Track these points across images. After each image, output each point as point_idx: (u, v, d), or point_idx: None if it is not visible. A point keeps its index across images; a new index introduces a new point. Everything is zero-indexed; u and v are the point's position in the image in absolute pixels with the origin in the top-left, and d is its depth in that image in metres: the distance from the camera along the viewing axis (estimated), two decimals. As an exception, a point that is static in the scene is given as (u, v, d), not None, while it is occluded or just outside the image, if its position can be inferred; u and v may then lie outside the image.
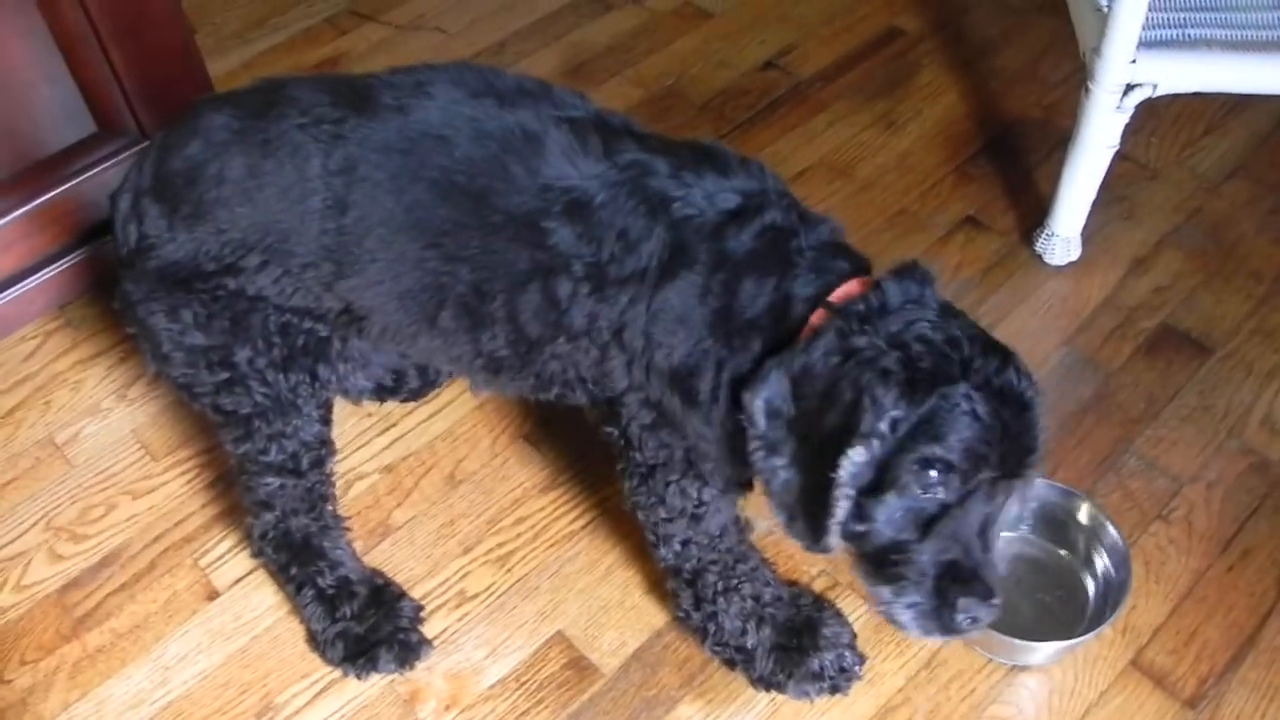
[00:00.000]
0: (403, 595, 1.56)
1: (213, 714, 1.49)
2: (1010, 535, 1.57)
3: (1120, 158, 1.98)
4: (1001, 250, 1.92)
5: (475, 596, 1.58)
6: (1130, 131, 1.98)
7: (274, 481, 1.45)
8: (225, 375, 1.35)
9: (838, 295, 1.18)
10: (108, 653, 1.54)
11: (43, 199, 1.73)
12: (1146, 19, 1.62)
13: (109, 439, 1.75)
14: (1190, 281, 1.87)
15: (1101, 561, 1.51)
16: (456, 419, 1.76)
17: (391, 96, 1.25)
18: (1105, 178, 1.88)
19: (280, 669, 1.53)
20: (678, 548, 1.41)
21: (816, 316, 1.16)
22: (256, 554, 1.56)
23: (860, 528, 1.12)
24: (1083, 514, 1.54)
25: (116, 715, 1.49)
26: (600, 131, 1.23)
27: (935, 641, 1.31)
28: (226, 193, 1.25)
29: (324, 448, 1.45)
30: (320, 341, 1.37)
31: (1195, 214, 1.96)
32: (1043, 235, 1.87)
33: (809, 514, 1.13)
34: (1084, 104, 1.71)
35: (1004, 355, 1.13)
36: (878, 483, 1.10)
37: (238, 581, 1.60)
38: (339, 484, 1.67)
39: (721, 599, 1.45)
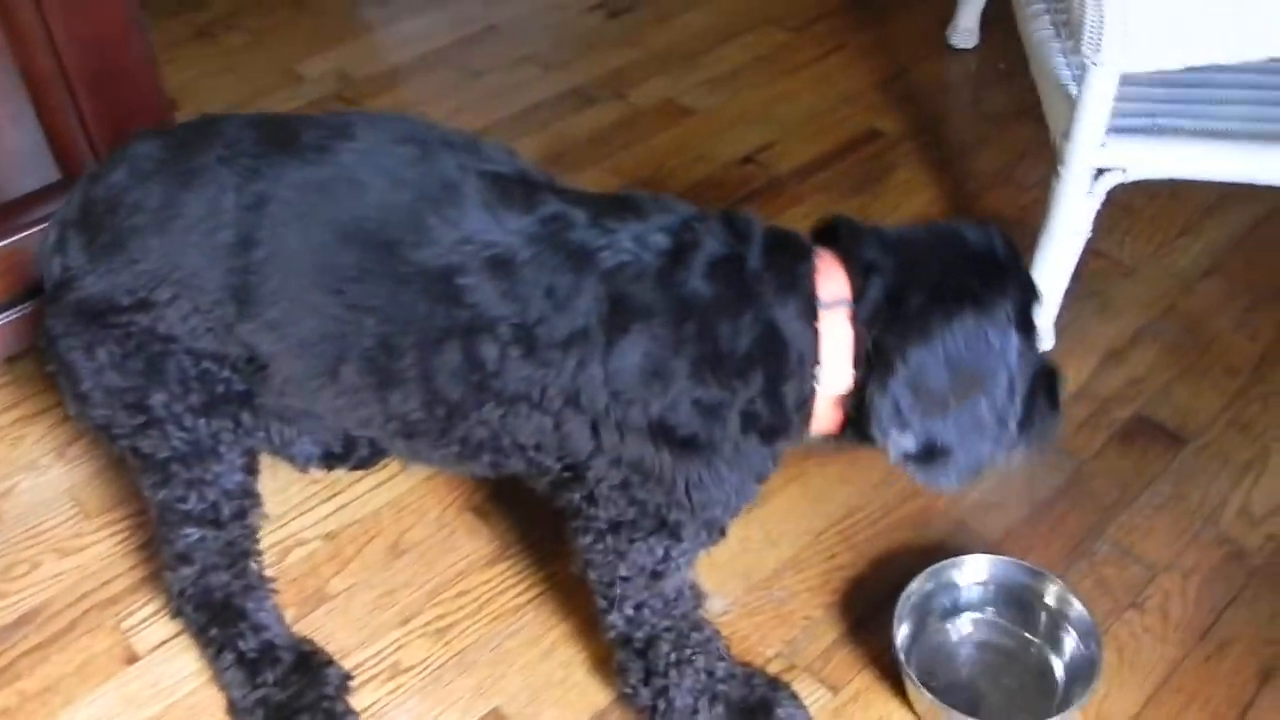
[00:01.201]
0: (330, 663, 1.46)
1: (116, 784, 1.40)
2: (975, 617, 1.50)
3: (1095, 254, 1.98)
4: (973, 339, 1.88)
5: (410, 669, 1.49)
6: (1105, 230, 1.99)
7: (193, 533, 1.38)
8: (142, 419, 1.29)
9: (824, 295, 1.15)
10: (12, 715, 1.45)
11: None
12: (1116, 108, 1.63)
13: (43, 496, 1.69)
14: (1165, 374, 1.82)
15: (1071, 643, 1.43)
16: (405, 489, 1.70)
17: (315, 136, 1.20)
18: (1080, 272, 1.86)
19: (195, 736, 1.44)
20: (631, 612, 1.33)
21: (825, 320, 1.14)
22: (175, 613, 1.48)
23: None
24: (1050, 595, 1.46)
25: (13, 781, 1.40)
26: (522, 185, 1.19)
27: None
28: (142, 221, 1.20)
29: (247, 498, 1.38)
30: (242, 392, 1.31)
31: (1170, 310, 1.93)
32: (1015, 324, 1.84)
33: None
34: (1054, 189, 1.69)
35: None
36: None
37: (159, 646, 1.51)
38: (276, 550, 1.61)
39: (674, 671, 1.36)
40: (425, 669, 1.50)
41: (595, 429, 1.18)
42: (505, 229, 1.15)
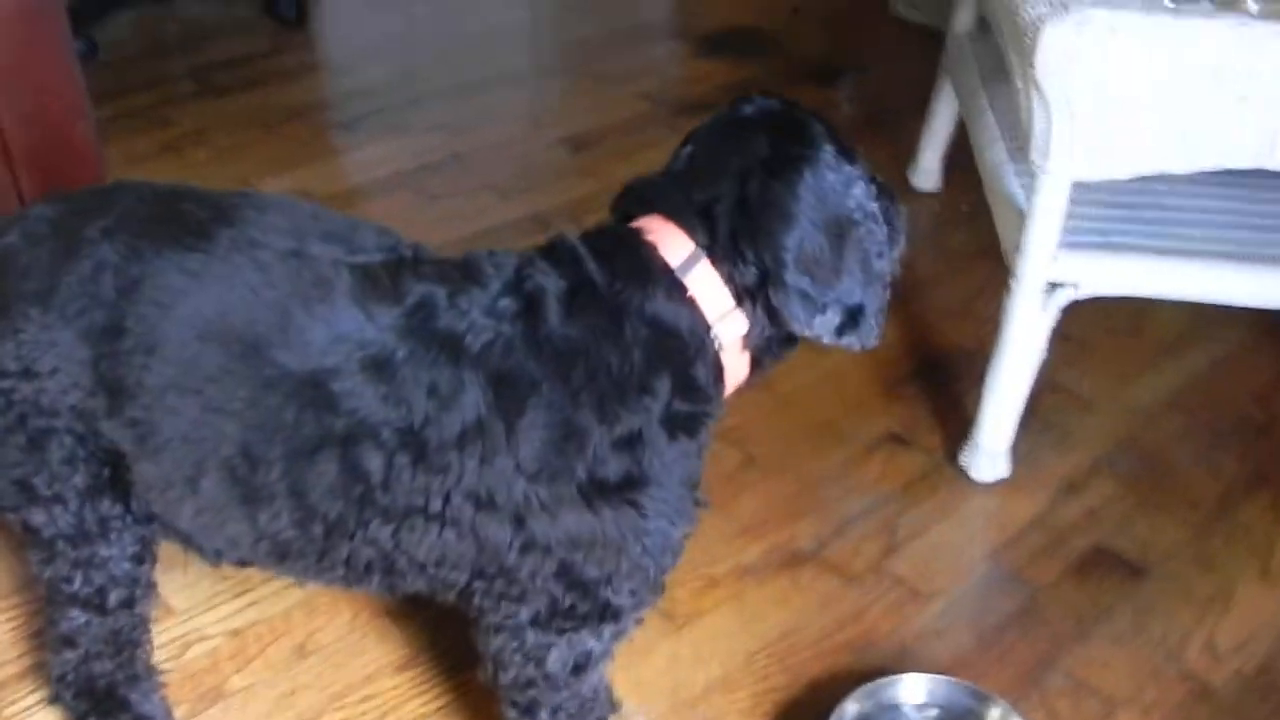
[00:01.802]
0: (215, 762, 1.37)
1: None
2: (915, 746, 1.39)
3: (1053, 388, 1.94)
4: (925, 467, 1.82)
5: (302, 775, 1.39)
6: (1064, 364, 1.96)
7: (78, 616, 1.29)
8: (26, 498, 1.20)
9: (675, 260, 1.09)
10: None
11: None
12: (1069, 224, 1.61)
13: (-66, 581, 1.61)
14: (1123, 505, 1.75)
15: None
16: (319, 590, 1.60)
17: (198, 217, 1.12)
18: (1037, 406, 1.82)
19: (59, 838, 1.32)
20: (544, 717, 1.22)
21: (691, 281, 1.09)
22: (53, 699, 1.38)
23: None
24: (991, 715, 1.36)
25: None
26: (389, 271, 1.11)
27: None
28: (27, 289, 1.13)
29: (137, 587, 1.29)
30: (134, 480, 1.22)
31: (1130, 443, 1.87)
32: (967, 448, 1.78)
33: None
34: (1006, 305, 1.66)
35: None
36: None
37: (36, 737, 1.41)
38: (176, 644, 1.52)
39: None
40: (319, 775, 1.39)
41: (519, 522, 1.09)
42: (378, 325, 1.06)
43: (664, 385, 1.08)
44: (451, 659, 1.50)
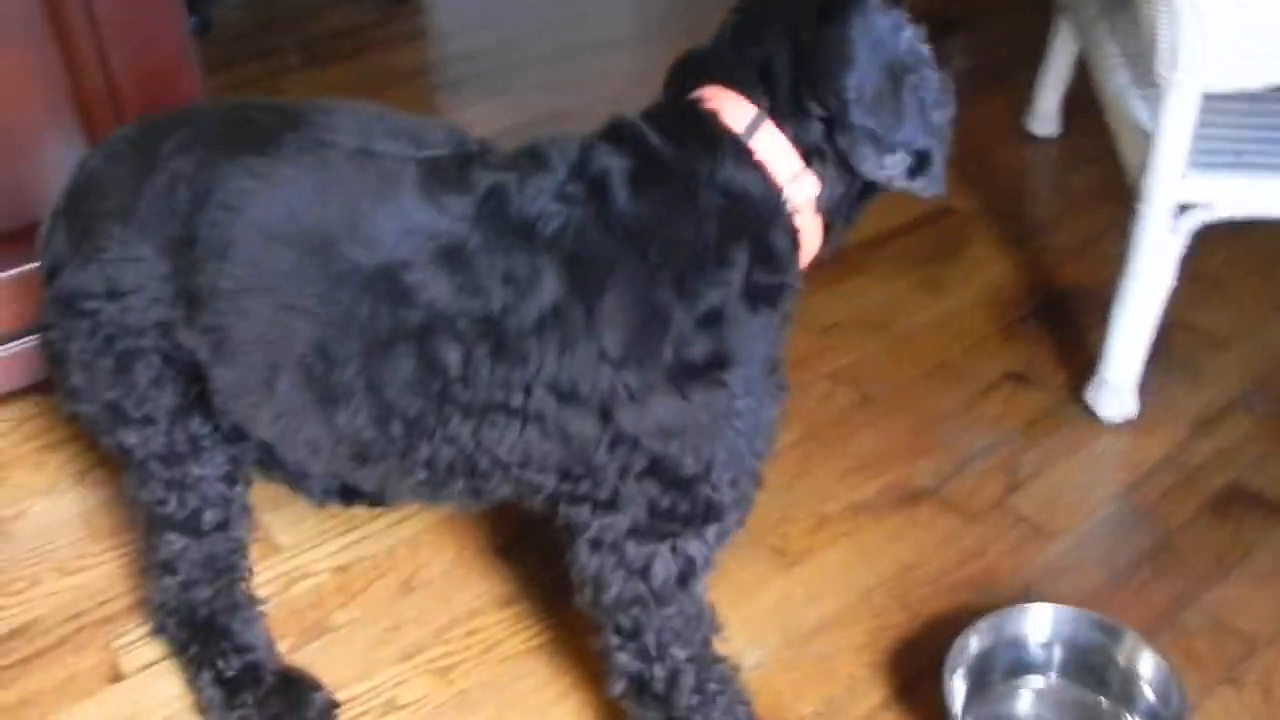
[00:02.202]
0: (318, 688, 1.35)
1: (75, 802, 1.28)
2: (1038, 685, 1.32)
3: (1185, 327, 1.84)
4: (1049, 405, 1.74)
5: (406, 706, 1.36)
6: (1196, 303, 1.87)
7: (175, 540, 1.29)
8: (118, 417, 1.21)
9: (739, 126, 1.05)
10: (-16, 728, 1.36)
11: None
12: (1199, 146, 1.52)
13: (55, 518, 1.62)
14: (1261, 444, 1.65)
15: (1148, 703, 1.25)
16: (424, 527, 1.59)
17: (267, 125, 1.12)
18: (1169, 344, 1.73)
19: (166, 762, 1.32)
20: (651, 641, 1.16)
21: (758, 145, 1.05)
22: (157, 628, 1.38)
23: None
24: (1124, 651, 1.28)
25: (-33, 795, 1.30)
26: (456, 164, 1.09)
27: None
28: (107, 208, 1.14)
29: (230, 508, 1.29)
30: None
31: (1267, 381, 1.76)
32: (1092, 385, 1.69)
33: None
34: (1134, 230, 1.57)
35: None
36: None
37: (146, 667, 1.41)
38: (281, 580, 1.52)
39: (699, 716, 1.20)
40: (423, 706, 1.36)
41: (605, 414, 1.06)
42: (449, 216, 1.05)
43: (742, 255, 1.04)
44: (555, 595, 1.47)
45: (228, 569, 1.33)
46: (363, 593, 1.51)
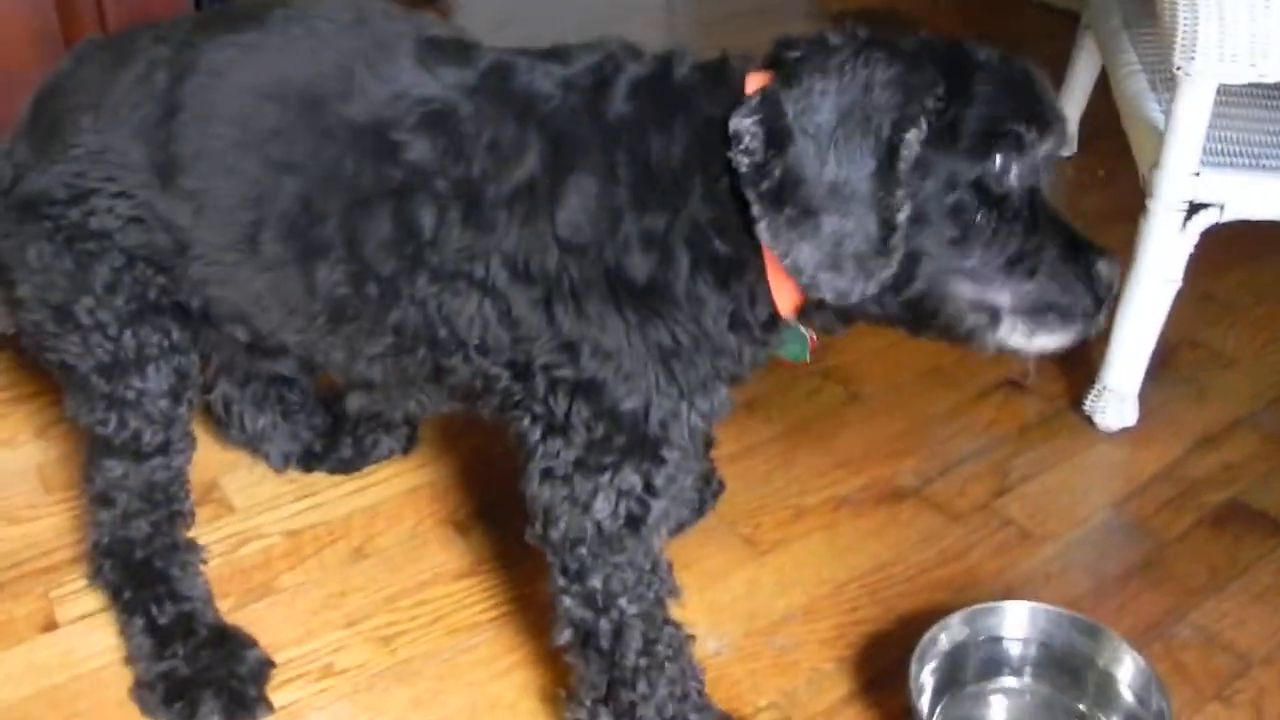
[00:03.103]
0: (253, 646, 1.29)
1: (-10, 747, 1.22)
2: (1011, 685, 1.24)
3: (1194, 345, 1.78)
4: (1045, 413, 1.66)
5: (344, 672, 1.30)
6: (1207, 323, 1.81)
7: (114, 467, 1.25)
8: (67, 325, 1.18)
9: (752, 88, 0.99)
10: (-92, 668, 1.30)
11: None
12: (1214, 146, 1.47)
13: (10, 469, 1.58)
14: (1266, 464, 1.57)
15: (1126, 706, 1.16)
16: (384, 496, 1.54)
17: (251, 7, 1.14)
18: (1175, 360, 1.67)
19: (92, 712, 1.25)
20: (598, 586, 1.11)
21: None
22: (94, 572, 1.33)
23: (936, 242, 0.98)
24: (1104, 654, 1.19)
25: (-119, 733, 1.24)
26: (459, 44, 1.09)
27: (1076, 336, 1.04)
28: (77, 101, 1.14)
29: (172, 429, 1.24)
30: (177, 305, 1.20)
31: (1274, 403, 1.68)
32: (1093, 393, 1.62)
33: (862, 237, 0.94)
34: (1142, 227, 1.51)
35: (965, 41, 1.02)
36: (945, 185, 0.97)
37: (81, 618, 1.36)
38: (231, 540, 1.47)
39: (643, 680, 1.13)
40: (361, 673, 1.30)
41: (548, 303, 1.02)
42: (443, 83, 1.05)
43: (696, 187, 0.99)
44: (514, 571, 1.41)
45: (166, 500, 1.29)
46: (312, 557, 1.45)
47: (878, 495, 1.53)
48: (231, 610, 1.36)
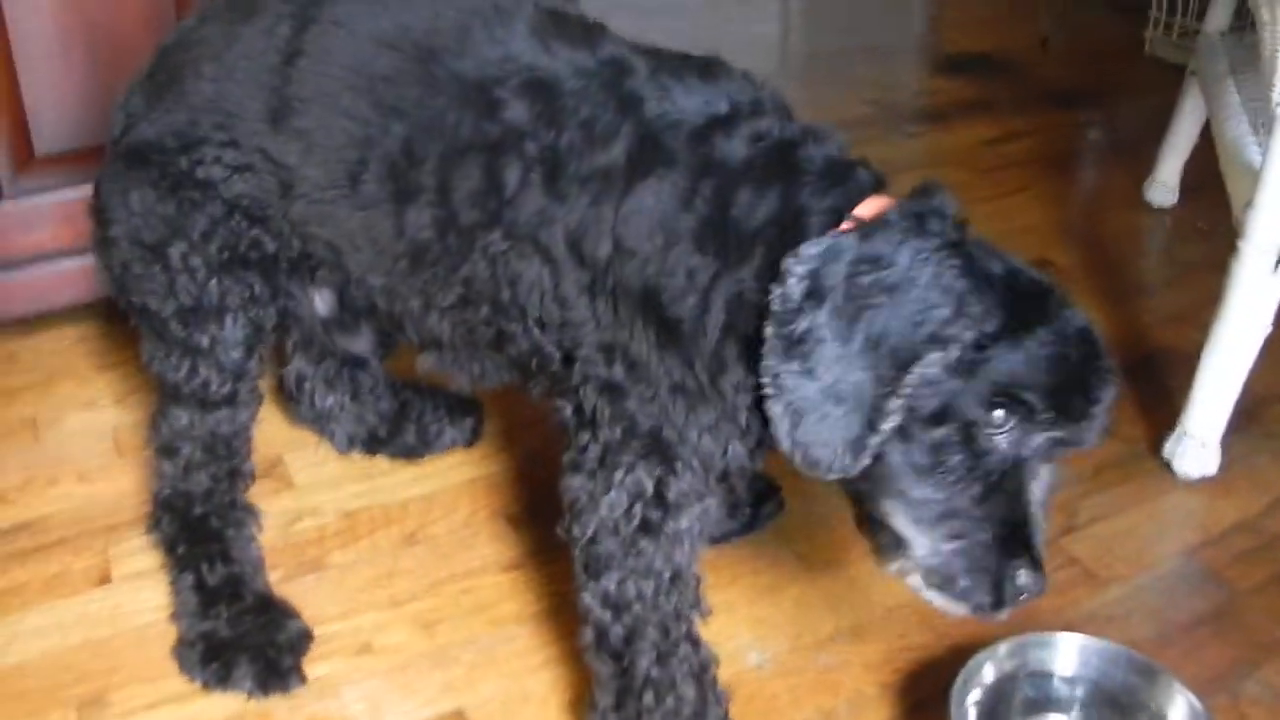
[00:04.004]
0: (294, 617, 1.30)
1: (34, 690, 1.25)
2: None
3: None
4: (1120, 456, 1.60)
5: (381, 650, 1.31)
6: None
7: (181, 415, 1.28)
8: (157, 267, 1.21)
9: (864, 212, 0.97)
10: (-34, 608, 1.34)
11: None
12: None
13: (87, 429, 1.64)
14: (1358, 525, 1.49)
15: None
16: (441, 486, 1.55)
17: None
18: (1260, 414, 1.61)
19: (131, 667, 1.28)
20: (613, 586, 1.10)
21: (846, 227, 0.96)
22: (152, 524, 1.35)
23: (903, 457, 0.95)
24: (1158, 694, 1.14)
25: (-66, 666, 1.28)
26: (583, 26, 1.11)
27: (964, 614, 0.99)
28: (200, 54, 1.19)
29: (241, 383, 1.27)
30: (265, 259, 1.23)
31: (1371, 467, 1.60)
32: (1173, 438, 1.56)
33: (843, 424, 0.93)
34: (1232, 269, 1.46)
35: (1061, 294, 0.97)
36: (939, 413, 0.93)
37: (135, 576, 1.39)
38: (287, 514, 1.50)
39: (652, 692, 1.11)
40: (398, 653, 1.30)
41: (592, 292, 1.04)
42: (554, 57, 1.07)
43: (755, 258, 0.98)
44: (559, 569, 1.38)
45: (228, 454, 1.31)
46: (365, 538, 1.46)
47: (938, 523, 1.49)
48: (280, 581, 1.38)
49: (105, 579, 1.38)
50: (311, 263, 1.24)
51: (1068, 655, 1.20)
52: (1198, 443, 1.53)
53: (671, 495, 1.06)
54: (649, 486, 1.05)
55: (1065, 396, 0.92)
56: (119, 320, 1.83)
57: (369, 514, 1.50)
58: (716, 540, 1.44)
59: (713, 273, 0.99)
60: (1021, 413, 0.92)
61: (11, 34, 1.59)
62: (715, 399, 1.02)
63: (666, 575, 1.10)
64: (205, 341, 1.23)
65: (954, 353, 0.90)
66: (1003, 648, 1.19)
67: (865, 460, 0.93)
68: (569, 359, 1.08)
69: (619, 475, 1.06)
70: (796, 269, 0.93)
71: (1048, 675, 1.20)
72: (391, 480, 1.56)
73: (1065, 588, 1.40)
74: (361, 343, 1.47)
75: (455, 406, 1.61)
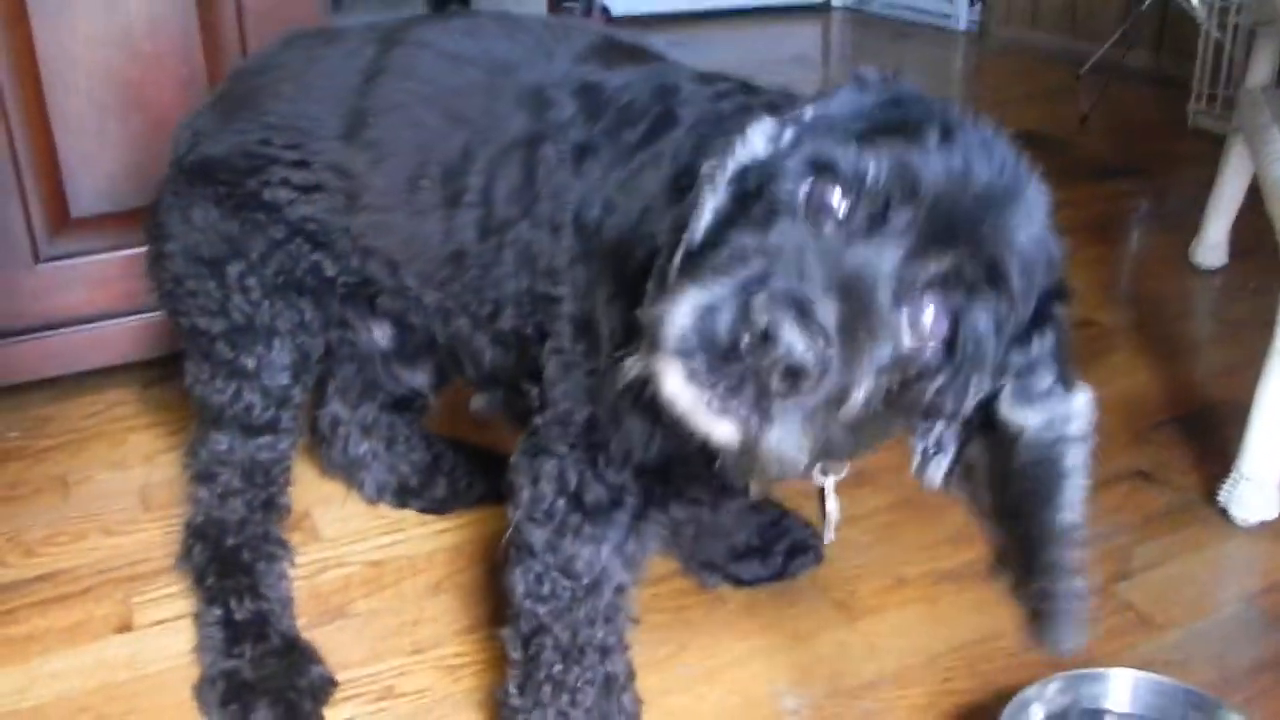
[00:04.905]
0: (317, 662, 1.26)
1: (49, 733, 1.22)
2: (1120, 760, 1.11)
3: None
4: (1173, 504, 1.54)
5: (404, 695, 1.26)
6: None
7: (221, 440, 1.27)
8: (211, 284, 1.22)
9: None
10: (-14, 653, 1.32)
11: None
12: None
13: (115, 487, 1.62)
14: None
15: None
16: (470, 537, 1.51)
17: (460, 11, 1.24)
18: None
19: (147, 711, 1.25)
20: (529, 580, 1.07)
21: None
22: (184, 554, 1.33)
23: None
24: (1223, 729, 1.07)
25: (-48, 707, 1.25)
26: (645, 50, 1.14)
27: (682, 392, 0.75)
28: (278, 76, 1.22)
29: (285, 410, 1.26)
30: (321, 285, 1.24)
31: None
32: (1228, 483, 1.49)
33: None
34: None
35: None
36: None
37: (156, 624, 1.36)
38: (314, 565, 1.46)
39: (548, 685, 1.09)
40: (421, 698, 1.26)
41: (578, 259, 1.02)
42: (611, 70, 1.09)
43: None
44: (590, 613, 1.36)
45: (266, 482, 1.30)
46: (391, 587, 1.43)
47: (983, 571, 1.41)
48: (304, 628, 1.34)
49: (126, 627, 1.36)
50: (371, 290, 1.24)
51: (1121, 691, 1.13)
52: (1255, 486, 1.46)
53: (590, 498, 1.03)
54: (572, 482, 1.03)
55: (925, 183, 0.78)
56: (150, 384, 1.86)
57: (395, 564, 1.47)
58: (744, 583, 1.41)
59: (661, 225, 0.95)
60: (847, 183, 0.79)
61: (49, 98, 1.63)
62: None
63: (585, 580, 1.06)
64: (252, 364, 1.23)
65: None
66: (1054, 683, 1.13)
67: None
68: (545, 334, 1.07)
69: (549, 466, 1.04)
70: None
71: (1101, 713, 1.13)
72: (419, 532, 1.53)
73: (1120, 632, 1.33)
74: (419, 377, 1.47)
75: (487, 461, 1.59)
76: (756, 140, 0.83)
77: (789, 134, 0.83)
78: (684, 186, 0.92)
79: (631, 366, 0.79)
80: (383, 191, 1.15)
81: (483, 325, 1.13)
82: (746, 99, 1.02)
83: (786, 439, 0.72)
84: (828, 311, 0.71)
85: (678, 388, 0.74)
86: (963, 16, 4.57)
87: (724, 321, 0.71)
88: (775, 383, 0.70)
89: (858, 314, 0.73)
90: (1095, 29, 3.73)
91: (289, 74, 1.22)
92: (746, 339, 0.70)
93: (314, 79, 1.20)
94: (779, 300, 0.70)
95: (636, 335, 0.82)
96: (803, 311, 0.70)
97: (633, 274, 0.94)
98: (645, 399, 0.87)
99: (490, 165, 1.09)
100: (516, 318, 1.09)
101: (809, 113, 0.85)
